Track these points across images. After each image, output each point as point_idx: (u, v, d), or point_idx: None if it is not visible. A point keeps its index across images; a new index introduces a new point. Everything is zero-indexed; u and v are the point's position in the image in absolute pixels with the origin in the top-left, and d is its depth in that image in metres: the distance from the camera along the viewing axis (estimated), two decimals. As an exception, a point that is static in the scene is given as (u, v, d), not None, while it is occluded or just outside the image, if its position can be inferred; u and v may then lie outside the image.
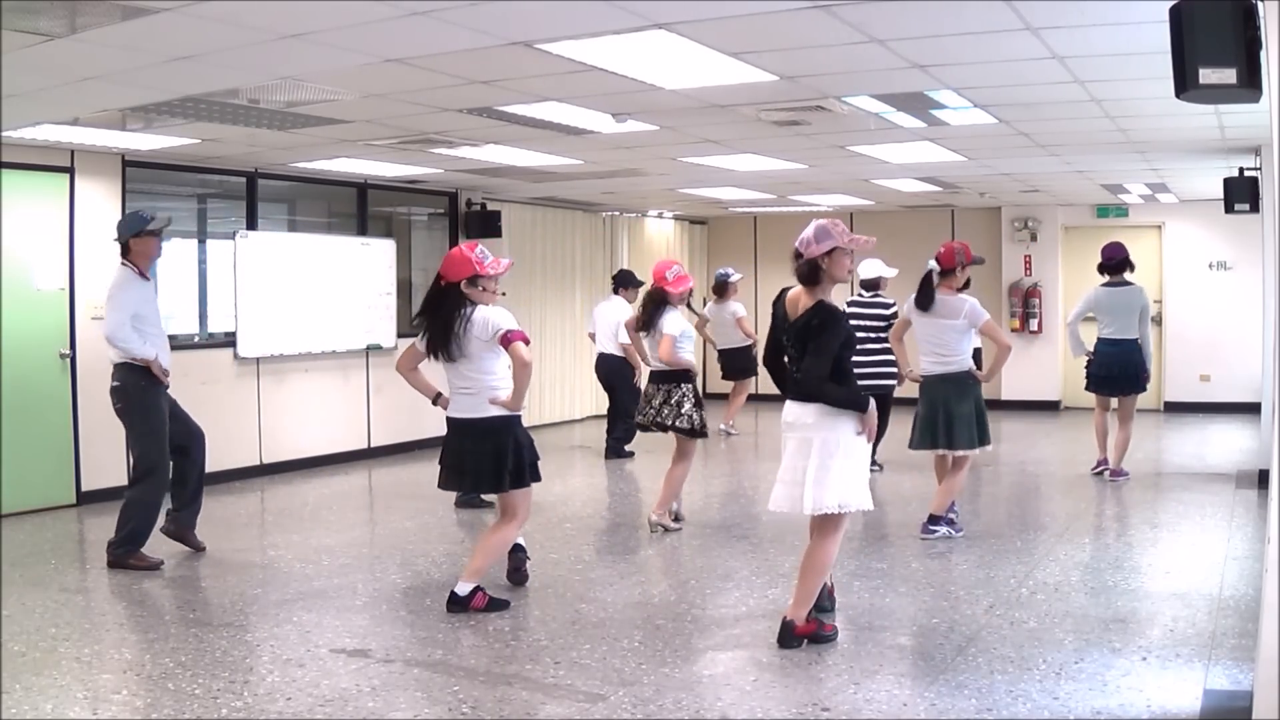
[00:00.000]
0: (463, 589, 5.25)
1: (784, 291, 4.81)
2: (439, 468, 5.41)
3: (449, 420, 5.33)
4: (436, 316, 5.17)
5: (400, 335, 10.73)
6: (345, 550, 6.65)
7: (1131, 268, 8.58)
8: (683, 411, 6.96)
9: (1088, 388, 8.77)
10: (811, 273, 4.60)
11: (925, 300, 6.70)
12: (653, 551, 6.73)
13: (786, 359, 4.77)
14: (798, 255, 4.65)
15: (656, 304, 7.09)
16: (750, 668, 4.46)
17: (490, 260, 5.21)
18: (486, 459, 5.18)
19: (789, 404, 4.74)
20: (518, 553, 5.77)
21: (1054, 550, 6.37)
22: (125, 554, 6.17)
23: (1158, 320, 13.25)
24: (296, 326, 9.62)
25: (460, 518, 7.62)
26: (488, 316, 5.09)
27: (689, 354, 7.13)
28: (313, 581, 5.90)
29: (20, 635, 4.89)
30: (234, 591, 5.76)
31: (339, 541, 6.91)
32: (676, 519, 7.24)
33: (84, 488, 8.00)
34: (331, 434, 10.07)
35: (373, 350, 10.44)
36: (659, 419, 7.01)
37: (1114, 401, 8.64)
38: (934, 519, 6.74)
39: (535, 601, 5.48)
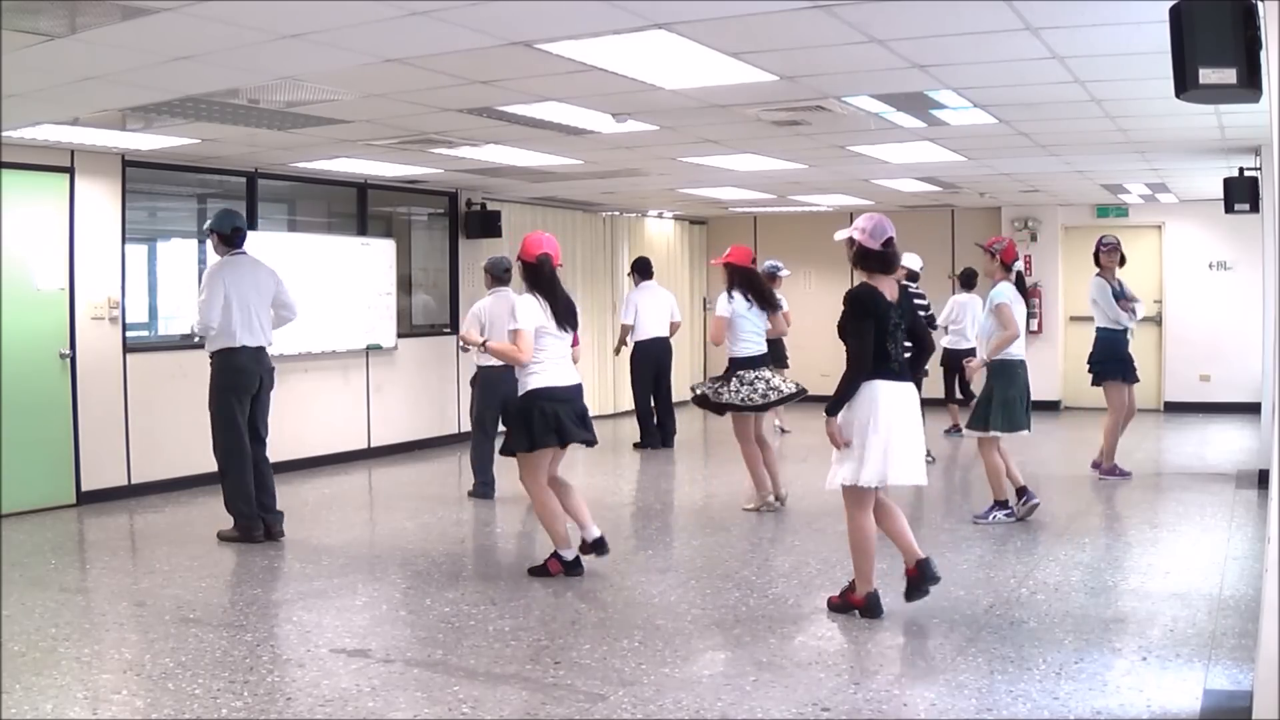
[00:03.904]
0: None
1: (866, 288, 5.01)
2: (561, 434, 5.73)
3: (567, 388, 5.81)
4: (559, 296, 5.81)
5: (400, 335, 10.75)
6: (345, 550, 6.65)
7: (1122, 262, 8.68)
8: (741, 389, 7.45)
9: (1102, 380, 8.64)
10: (887, 262, 5.02)
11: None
12: (653, 552, 6.73)
13: (891, 344, 5.02)
14: (887, 244, 4.97)
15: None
16: (750, 668, 4.46)
17: None
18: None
19: (901, 384, 4.98)
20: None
21: (1054, 550, 6.37)
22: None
23: (1158, 320, 13.27)
24: (296, 326, 9.59)
25: (461, 516, 7.63)
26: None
27: None
28: (313, 581, 5.90)
29: (20, 635, 4.89)
30: (234, 591, 5.77)
31: (339, 541, 6.91)
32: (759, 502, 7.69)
33: (84, 488, 7.99)
34: (331, 434, 10.07)
35: (373, 350, 10.43)
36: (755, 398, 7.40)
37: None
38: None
39: (535, 601, 5.48)
